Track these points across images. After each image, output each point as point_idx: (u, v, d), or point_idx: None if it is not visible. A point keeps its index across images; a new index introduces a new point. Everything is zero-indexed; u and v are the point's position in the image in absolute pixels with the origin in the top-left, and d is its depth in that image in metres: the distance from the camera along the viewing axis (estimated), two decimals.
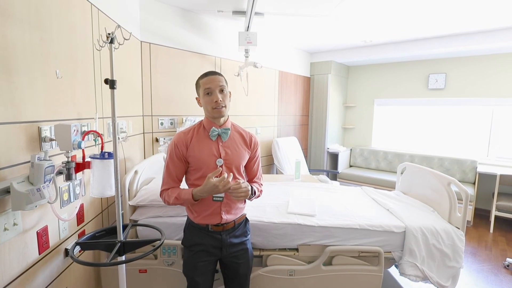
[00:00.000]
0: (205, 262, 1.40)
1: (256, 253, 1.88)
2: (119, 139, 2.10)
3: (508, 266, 2.78)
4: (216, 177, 1.24)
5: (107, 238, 1.52)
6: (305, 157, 4.98)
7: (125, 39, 1.42)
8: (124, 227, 1.64)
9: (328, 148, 4.96)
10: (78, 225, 1.62)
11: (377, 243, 1.86)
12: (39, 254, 1.27)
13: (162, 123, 2.88)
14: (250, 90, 3.83)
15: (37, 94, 1.25)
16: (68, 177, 1.34)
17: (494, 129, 4.16)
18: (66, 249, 1.47)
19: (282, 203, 2.18)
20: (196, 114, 3.15)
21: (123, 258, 1.47)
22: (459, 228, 1.92)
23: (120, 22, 2.14)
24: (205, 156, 1.34)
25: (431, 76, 4.47)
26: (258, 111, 4.02)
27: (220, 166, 1.34)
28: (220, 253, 1.41)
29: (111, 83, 1.32)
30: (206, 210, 1.37)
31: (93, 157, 1.41)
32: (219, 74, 1.38)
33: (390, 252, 1.89)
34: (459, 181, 4.16)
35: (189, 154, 1.34)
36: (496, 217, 3.65)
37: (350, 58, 4.66)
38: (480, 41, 3.60)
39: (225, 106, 1.34)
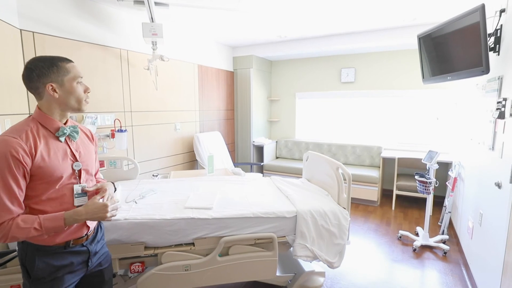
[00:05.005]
0: (71, 285, 1.16)
1: (150, 251, 1.82)
2: None
3: (400, 237, 3.16)
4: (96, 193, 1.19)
5: None
6: (231, 151, 5.02)
7: None
8: None
9: (253, 141, 5.06)
10: None
11: (271, 229, 1.93)
12: None
13: None
14: (165, 85, 3.70)
15: None
16: None
17: (396, 117, 4.68)
18: None
19: (183, 198, 2.14)
20: (97, 111, 2.92)
21: None
22: (345, 208, 2.10)
23: None
24: (60, 162, 1.09)
25: (343, 71, 4.83)
26: (175, 106, 3.90)
27: (78, 171, 1.15)
28: (86, 267, 1.21)
29: None
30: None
31: None
32: None
33: (285, 236, 1.99)
34: (369, 166, 4.63)
35: (37, 165, 1.02)
36: (398, 196, 4.12)
37: (268, 53, 4.80)
38: (382, 38, 3.98)
39: None
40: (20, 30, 2.35)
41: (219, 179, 2.73)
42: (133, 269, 1.84)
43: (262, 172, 5.01)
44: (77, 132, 1.17)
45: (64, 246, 1.13)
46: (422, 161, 3.07)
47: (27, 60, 1.21)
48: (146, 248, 1.82)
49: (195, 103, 4.26)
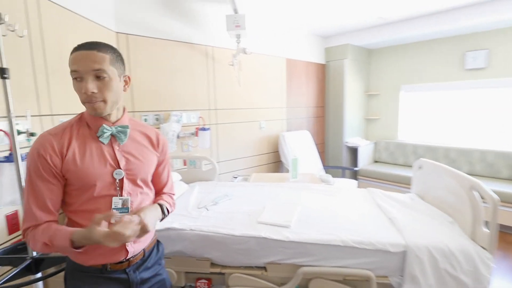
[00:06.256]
0: None
1: (217, 269, 1.58)
2: None
3: None
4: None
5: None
6: (321, 152, 4.52)
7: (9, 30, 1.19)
8: None
9: (346, 142, 4.45)
10: (9, 234, 1.45)
11: (367, 265, 1.44)
12: None
13: (146, 120, 2.68)
14: (251, 81, 3.50)
15: None
16: None
17: None
18: None
19: (258, 209, 1.83)
20: (186, 109, 2.91)
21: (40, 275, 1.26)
22: (485, 249, 1.43)
23: (87, 14, 2.03)
24: (95, 167, 0.90)
25: (467, 54, 3.74)
26: (260, 103, 3.66)
27: (119, 180, 0.93)
28: None
29: (1, 71, 1.10)
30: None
31: None
32: (101, 47, 0.87)
33: (387, 277, 1.47)
34: (507, 179, 3.47)
35: (67, 167, 0.86)
36: None
37: (368, 40, 4.09)
38: None
39: (105, 101, 0.88)
40: (116, 33, 2.47)
41: (303, 187, 2.34)
42: (199, 285, 1.64)
43: (356, 178, 4.35)
44: (124, 133, 0.95)
45: (101, 269, 0.94)
46: None
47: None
48: (212, 265, 1.60)
49: (282, 100, 3.95)
